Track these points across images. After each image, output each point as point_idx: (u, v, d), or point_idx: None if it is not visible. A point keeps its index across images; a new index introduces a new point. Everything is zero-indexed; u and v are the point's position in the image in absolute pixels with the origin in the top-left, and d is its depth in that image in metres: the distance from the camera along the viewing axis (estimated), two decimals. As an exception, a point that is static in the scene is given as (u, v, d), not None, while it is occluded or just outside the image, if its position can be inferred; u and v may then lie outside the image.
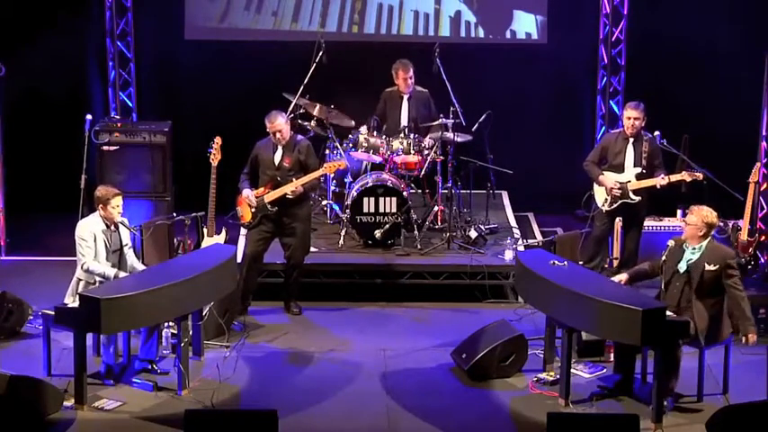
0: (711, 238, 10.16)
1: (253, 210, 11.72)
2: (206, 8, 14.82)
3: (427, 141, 13.05)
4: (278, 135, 11.63)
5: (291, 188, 11.61)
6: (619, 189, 11.96)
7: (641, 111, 11.95)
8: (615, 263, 13.05)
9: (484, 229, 13.08)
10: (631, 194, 12.01)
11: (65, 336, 10.39)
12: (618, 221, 12.37)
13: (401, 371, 10.80)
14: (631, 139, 12.00)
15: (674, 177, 11.89)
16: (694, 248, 10.11)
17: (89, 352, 10.22)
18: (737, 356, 10.63)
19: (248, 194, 11.71)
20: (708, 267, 10.01)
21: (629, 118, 11.96)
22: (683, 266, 10.12)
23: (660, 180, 11.88)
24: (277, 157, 11.71)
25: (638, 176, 12.01)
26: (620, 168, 12.07)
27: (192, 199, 12.55)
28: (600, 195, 12.22)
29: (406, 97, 13.31)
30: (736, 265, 10.08)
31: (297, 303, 12.04)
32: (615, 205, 12.10)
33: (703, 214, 10.10)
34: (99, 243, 10.44)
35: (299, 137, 11.95)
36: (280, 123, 11.63)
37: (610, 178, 12.04)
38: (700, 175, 11.85)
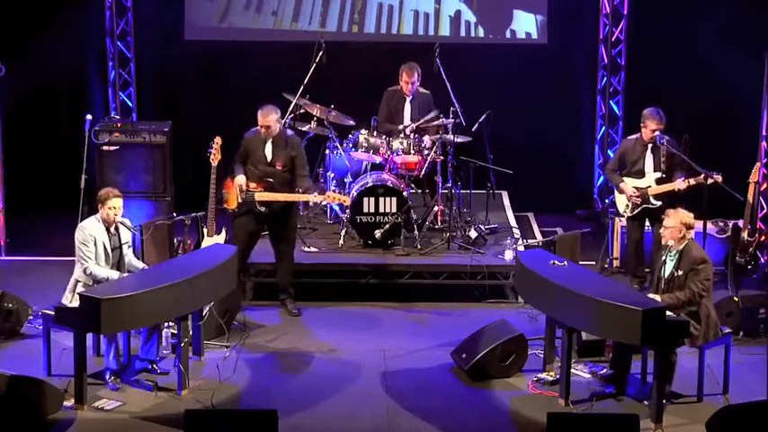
0: (691, 241, 10.17)
1: (240, 199, 11.72)
2: (206, 8, 14.83)
3: (426, 140, 13.03)
4: (264, 130, 11.65)
5: (288, 199, 11.67)
6: (638, 197, 11.99)
7: (662, 119, 11.96)
8: (615, 263, 13.08)
9: (484, 229, 13.08)
10: (652, 199, 12.04)
11: (65, 336, 10.38)
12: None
13: (401, 371, 10.80)
14: (649, 145, 12.04)
15: (694, 180, 11.89)
16: (672, 254, 10.16)
17: (89, 352, 10.22)
18: (737, 356, 10.64)
19: (242, 183, 11.70)
20: (677, 273, 10.08)
21: (652, 129, 11.95)
22: (665, 272, 10.19)
23: (680, 183, 11.90)
24: (268, 153, 11.71)
25: (659, 181, 12.03)
26: (640, 174, 12.10)
27: (191, 199, 12.55)
28: (621, 202, 12.25)
29: (408, 99, 13.31)
30: (704, 269, 10.01)
31: (295, 305, 12.03)
32: (637, 210, 12.13)
33: (680, 216, 10.15)
34: (99, 246, 10.44)
35: (289, 132, 11.96)
36: (271, 120, 11.65)
37: (629, 186, 12.07)
38: (719, 178, 11.83)
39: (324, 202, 12.24)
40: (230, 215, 11.89)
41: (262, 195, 11.70)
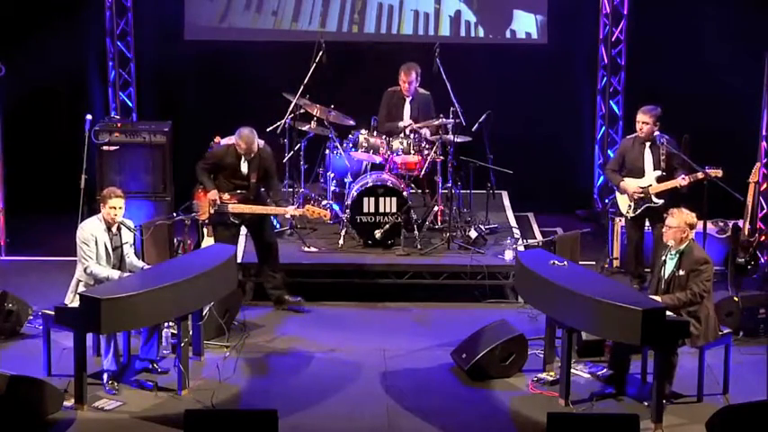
0: (692, 241, 10.16)
1: (212, 211, 11.71)
2: (206, 8, 14.83)
3: (425, 132, 13.00)
4: (245, 155, 11.60)
5: (263, 212, 11.69)
6: (641, 194, 12.00)
7: (652, 115, 12.00)
8: (615, 263, 13.08)
9: (484, 229, 13.08)
10: (653, 198, 12.04)
11: (65, 336, 10.38)
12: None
13: (401, 371, 10.80)
14: (648, 143, 12.05)
15: (699, 175, 11.90)
16: (672, 254, 10.15)
17: (89, 352, 10.22)
18: (737, 356, 10.64)
19: (215, 197, 11.68)
20: (678, 273, 10.06)
21: (639, 121, 12.02)
22: (666, 272, 10.17)
23: (681, 180, 11.91)
24: (244, 168, 11.70)
25: (659, 179, 12.04)
26: (639, 173, 12.10)
27: (191, 199, 12.54)
28: (623, 202, 12.25)
29: (408, 99, 13.30)
30: (706, 269, 9.99)
31: (292, 295, 12.02)
32: (639, 210, 12.14)
33: (684, 216, 10.14)
34: (100, 246, 10.44)
35: (260, 143, 11.91)
36: (253, 147, 11.57)
37: (631, 184, 12.08)
38: (719, 172, 11.85)
39: (301, 215, 12.19)
40: (203, 223, 11.89)
41: (236, 207, 11.70)
